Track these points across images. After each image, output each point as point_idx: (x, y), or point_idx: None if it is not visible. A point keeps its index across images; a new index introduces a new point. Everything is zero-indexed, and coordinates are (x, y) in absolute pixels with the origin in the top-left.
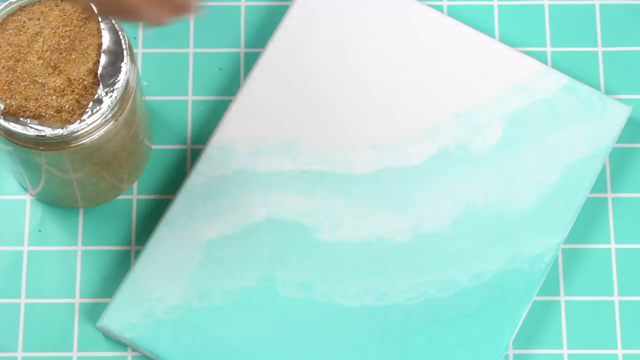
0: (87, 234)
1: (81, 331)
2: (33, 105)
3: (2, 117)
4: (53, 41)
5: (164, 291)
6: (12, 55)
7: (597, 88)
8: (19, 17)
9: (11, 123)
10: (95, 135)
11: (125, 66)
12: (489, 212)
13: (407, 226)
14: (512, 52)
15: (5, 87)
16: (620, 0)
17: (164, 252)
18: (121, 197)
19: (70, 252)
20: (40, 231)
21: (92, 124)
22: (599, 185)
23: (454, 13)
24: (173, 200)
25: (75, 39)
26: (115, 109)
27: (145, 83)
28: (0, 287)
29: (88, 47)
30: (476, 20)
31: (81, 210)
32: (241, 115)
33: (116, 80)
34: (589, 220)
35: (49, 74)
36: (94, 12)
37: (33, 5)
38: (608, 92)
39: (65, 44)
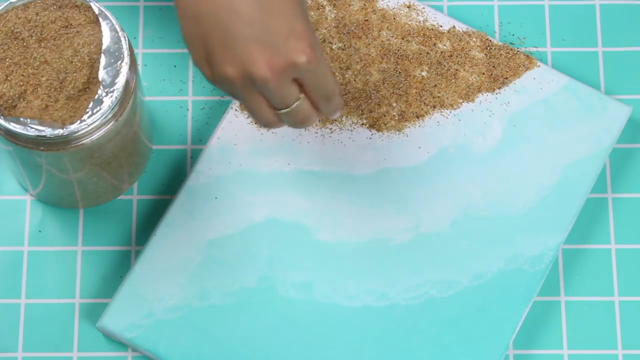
0: (87, 234)
1: (81, 331)
2: (29, 104)
3: (2, 117)
4: (51, 41)
5: (164, 291)
6: (8, 54)
7: (597, 88)
8: (17, 16)
9: (11, 123)
10: (95, 136)
11: (125, 66)
12: (489, 212)
13: (407, 226)
14: (512, 52)
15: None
16: (620, 0)
17: (164, 252)
18: (121, 197)
19: (70, 252)
20: (40, 231)
21: (92, 124)
22: (599, 185)
23: (454, 13)
24: (173, 200)
25: (74, 38)
26: (116, 109)
27: (145, 83)
28: (0, 287)
29: (87, 46)
30: (476, 20)
31: (81, 211)
32: (241, 115)
33: (116, 81)
34: (589, 221)
35: (46, 73)
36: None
37: (32, 4)
38: (608, 92)
39: (63, 43)
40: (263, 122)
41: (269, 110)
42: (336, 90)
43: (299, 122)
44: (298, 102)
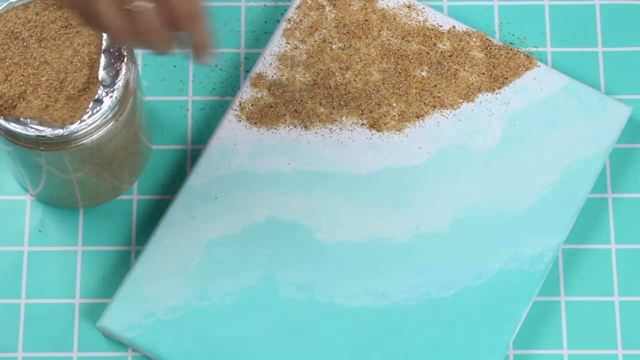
0: (87, 234)
1: (81, 331)
2: (29, 104)
3: (2, 117)
4: (51, 41)
5: (164, 291)
6: (8, 54)
7: (597, 88)
8: (17, 16)
9: (11, 123)
10: (95, 136)
11: (125, 66)
12: (489, 212)
13: (407, 226)
14: (512, 52)
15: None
16: (620, 0)
17: (164, 252)
18: (121, 197)
19: (70, 252)
20: (40, 231)
21: (92, 124)
22: (599, 185)
23: (454, 13)
24: (173, 200)
25: (74, 38)
26: (116, 109)
27: (145, 83)
28: (0, 287)
29: (87, 46)
30: (476, 20)
31: (81, 211)
32: (241, 115)
33: (116, 81)
34: (589, 220)
35: (46, 73)
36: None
37: (32, 4)
38: (608, 92)
39: (63, 43)
40: (106, 27)
41: (112, 10)
42: (200, 13)
43: (142, 33)
44: (145, 6)
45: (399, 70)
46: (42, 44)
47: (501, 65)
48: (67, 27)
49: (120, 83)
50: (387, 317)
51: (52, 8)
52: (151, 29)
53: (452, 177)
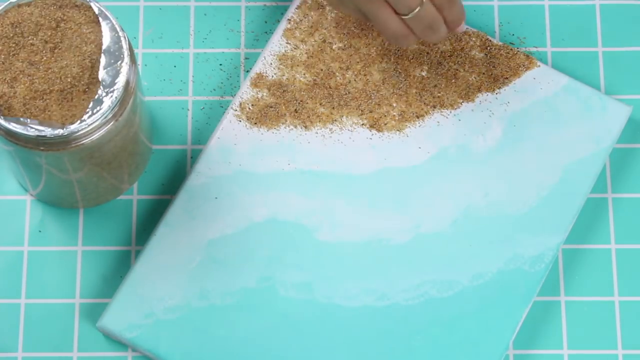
0: (87, 234)
1: (81, 331)
2: (29, 104)
3: (2, 117)
4: (51, 41)
5: (164, 291)
6: (8, 54)
7: (597, 88)
8: (18, 15)
9: (11, 123)
10: (95, 136)
11: (125, 66)
12: (489, 212)
13: (407, 226)
14: (512, 52)
15: None
16: (620, 0)
17: (164, 252)
18: (121, 197)
19: (70, 252)
20: (40, 231)
21: (92, 124)
22: (599, 185)
23: None
24: (173, 200)
25: (75, 38)
26: (116, 109)
27: (145, 83)
28: (0, 287)
29: (87, 46)
30: (476, 20)
31: (81, 211)
32: (241, 115)
33: (116, 81)
34: (589, 220)
35: (46, 73)
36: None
37: (32, 4)
38: (608, 92)
39: (64, 43)
40: (392, 33)
41: (395, 18)
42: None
43: (427, 26)
44: (422, 5)
45: (399, 70)
46: (43, 44)
47: (501, 65)
48: (67, 27)
49: (120, 83)
50: (387, 317)
51: (52, 8)
52: (432, 21)
53: (452, 177)
